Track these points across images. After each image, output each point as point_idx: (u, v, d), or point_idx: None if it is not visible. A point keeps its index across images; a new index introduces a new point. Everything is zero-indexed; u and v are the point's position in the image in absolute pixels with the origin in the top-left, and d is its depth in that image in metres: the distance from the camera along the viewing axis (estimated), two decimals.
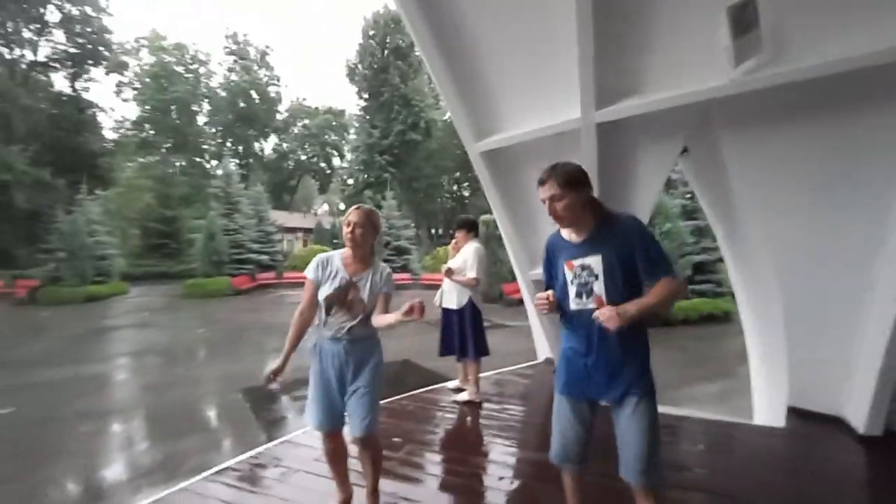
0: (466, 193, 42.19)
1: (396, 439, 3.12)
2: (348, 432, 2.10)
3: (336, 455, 2.17)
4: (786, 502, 2.42)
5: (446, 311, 3.82)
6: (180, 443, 4.70)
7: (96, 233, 18.38)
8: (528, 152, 3.63)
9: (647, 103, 2.91)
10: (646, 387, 1.63)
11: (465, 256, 3.68)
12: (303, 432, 3.19)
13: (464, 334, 3.70)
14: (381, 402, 3.77)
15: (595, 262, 1.63)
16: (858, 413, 2.94)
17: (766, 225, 3.10)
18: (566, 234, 1.75)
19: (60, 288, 16.41)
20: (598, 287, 1.63)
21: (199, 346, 9.78)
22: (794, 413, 3.27)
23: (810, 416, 3.22)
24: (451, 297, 3.77)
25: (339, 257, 2.08)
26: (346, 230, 2.03)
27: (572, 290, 1.69)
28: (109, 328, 11.69)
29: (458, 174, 40.00)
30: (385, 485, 2.54)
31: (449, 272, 3.72)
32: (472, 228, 3.83)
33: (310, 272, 2.06)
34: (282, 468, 2.72)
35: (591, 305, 1.63)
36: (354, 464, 2.28)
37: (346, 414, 2.10)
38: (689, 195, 13.31)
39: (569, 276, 1.69)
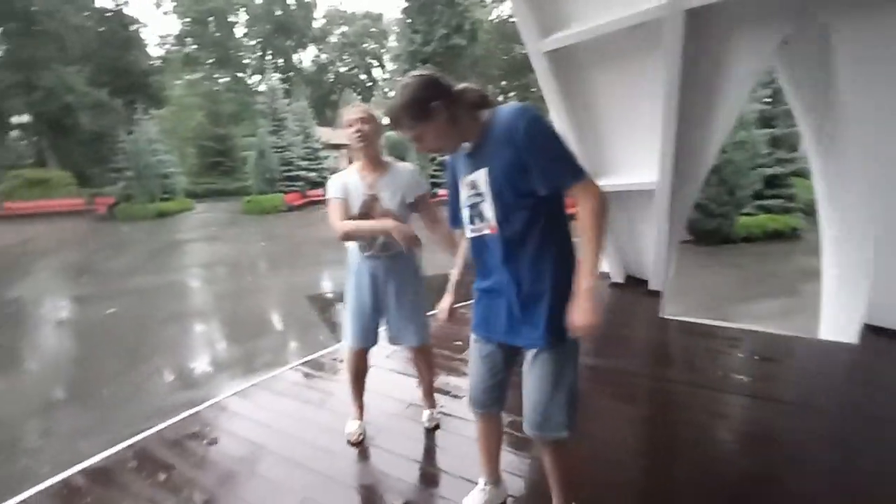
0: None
1: (458, 342, 3.32)
2: (399, 344, 2.09)
3: (361, 373, 2.13)
4: (847, 409, 2.41)
5: None
6: (259, 341, 5.27)
7: (157, 152, 19.32)
8: (599, 50, 3.27)
9: None
10: (551, 334, 1.27)
11: None
12: None
13: None
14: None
15: (481, 177, 1.27)
16: None
17: (868, 137, 2.70)
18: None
19: (134, 205, 17.80)
20: (488, 210, 1.28)
21: (263, 258, 10.53)
22: (870, 330, 3.15)
23: (888, 333, 3.08)
24: None
25: (353, 173, 1.90)
26: (350, 131, 1.84)
27: (466, 215, 1.37)
28: (183, 241, 12.73)
29: (504, 83, 37.59)
30: (450, 380, 2.78)
31: None
32: None
33: (334, 192, 1.87)
34: None
35: (487, 231, 1.31)
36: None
37: (392, 329, 2.05)
38: (767, 99, 11.87)
39: (462, 196, 1.36)
